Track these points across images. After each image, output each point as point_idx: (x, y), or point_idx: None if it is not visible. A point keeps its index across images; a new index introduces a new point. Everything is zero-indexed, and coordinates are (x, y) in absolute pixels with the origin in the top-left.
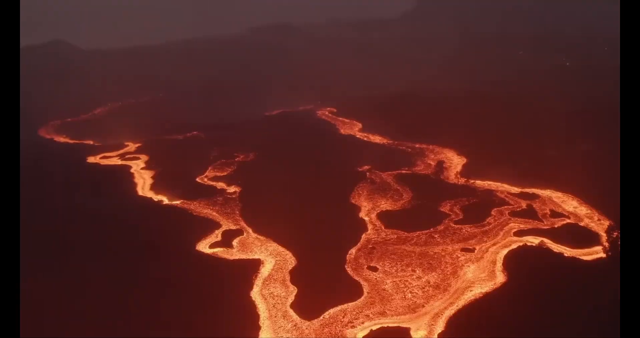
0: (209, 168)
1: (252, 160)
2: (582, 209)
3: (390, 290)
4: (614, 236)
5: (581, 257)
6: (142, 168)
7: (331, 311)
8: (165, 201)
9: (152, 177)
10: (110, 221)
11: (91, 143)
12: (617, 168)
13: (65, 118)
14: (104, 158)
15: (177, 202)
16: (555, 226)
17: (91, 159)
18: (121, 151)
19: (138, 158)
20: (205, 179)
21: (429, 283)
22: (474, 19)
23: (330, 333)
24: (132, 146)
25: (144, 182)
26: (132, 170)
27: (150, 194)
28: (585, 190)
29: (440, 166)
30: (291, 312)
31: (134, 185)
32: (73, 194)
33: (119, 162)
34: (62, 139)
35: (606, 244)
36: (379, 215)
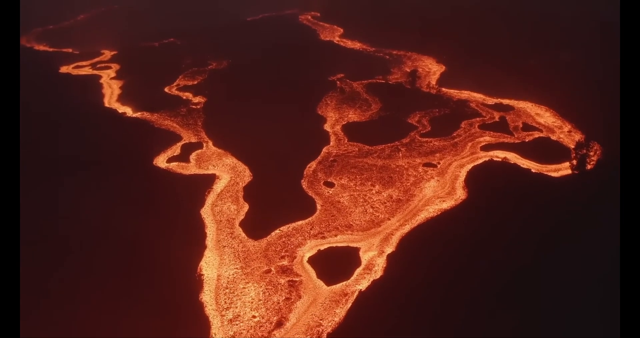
0: (180, 77)
1: (224, 68)
2: (556, 122)
3: (346, 204)
4: (582, 152)
5: (549, 173)
6: (112, 78)
7: (280, 229)
8: (130, 112)
9: (121, 87)
10: (70, 134)
11: (70, 51)
12: (597, 80)
13: (47, 25)
14: (77, 67)
15: (140, 114)
16: (526, 140)
17: (64, 69)
18: (95, 60)
19: (110, 67)
20: (174, 89)
21: (392, 197)
22: None
23: (275, 253)
24: (107, 54)
25: (111, 93)
26: (101, 80)
27: (116, 105)
28: (561, 102)
29: (415, 74)
30: (239, 231)
31: (101, 96)
32: (37, 106)
33: (91, 72)
34: (41, 48)
35: (574, 161)
36: (344, 126)
